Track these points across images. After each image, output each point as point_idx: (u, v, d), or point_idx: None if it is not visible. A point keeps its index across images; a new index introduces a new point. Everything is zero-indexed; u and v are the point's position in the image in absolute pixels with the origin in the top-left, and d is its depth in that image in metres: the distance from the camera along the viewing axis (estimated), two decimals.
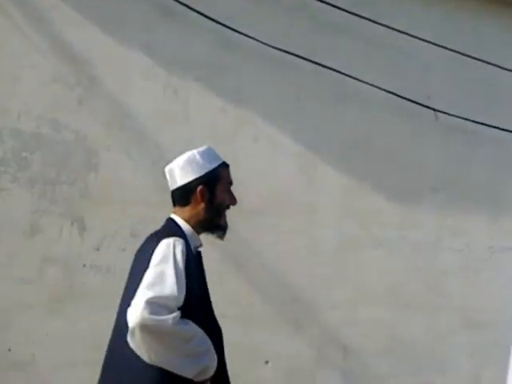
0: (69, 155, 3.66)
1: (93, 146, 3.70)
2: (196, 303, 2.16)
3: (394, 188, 4.37)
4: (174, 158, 3.81)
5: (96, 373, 3.42)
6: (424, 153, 4.49)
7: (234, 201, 2.39)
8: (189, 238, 2.28)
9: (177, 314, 2.01)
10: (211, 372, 2.12)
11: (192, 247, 2.28)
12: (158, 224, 3.71)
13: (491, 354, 4.32)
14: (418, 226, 4.40)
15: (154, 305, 1.98)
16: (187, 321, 2.06)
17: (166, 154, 3.87)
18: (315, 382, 4.03)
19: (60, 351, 3.50)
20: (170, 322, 1.98)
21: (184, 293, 2.08)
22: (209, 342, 2.13)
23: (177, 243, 2.19)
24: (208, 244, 3.75)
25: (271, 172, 4.07)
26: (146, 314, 1.95)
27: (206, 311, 2.28)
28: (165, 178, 3.79)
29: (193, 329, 2.09)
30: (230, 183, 2.41)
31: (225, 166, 2.41)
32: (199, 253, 2.40)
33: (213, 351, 2.14)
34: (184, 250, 2.18)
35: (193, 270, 2.20)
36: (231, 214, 2.40)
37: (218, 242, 3.79)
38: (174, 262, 2.12)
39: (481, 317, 4.42)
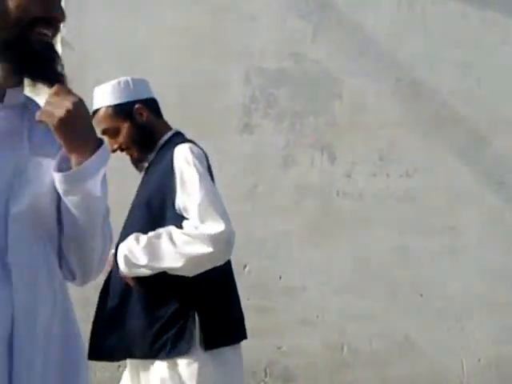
0: (313, 86, 3.72)
1: (335, 74, 3.71)
2: None
3: None
4: (418, 72, 3.73)
5: (360, 296, 3.59)
6: None
7: None
8: None
9: None
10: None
11: None
12: (408, 145, 3.69)
13: None
14: None
15: None
16: None
17: (410, 71, 3.78)
18: None
19: (326, 278, 3.63)
20: None
21: None
22: None
23: None
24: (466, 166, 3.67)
25: None
26: None
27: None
28: (409, 96, 3.75)
29: None
30: None
31: None
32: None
33: None
34: None
35: None
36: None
37: (475, 162, 3.69)
38: None
39: None
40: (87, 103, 1.30)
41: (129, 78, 2.21)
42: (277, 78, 3.68)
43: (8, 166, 1.27)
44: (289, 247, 3.65)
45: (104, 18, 3.49)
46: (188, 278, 1.97)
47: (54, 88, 1.25)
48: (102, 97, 2.17)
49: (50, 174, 1.29)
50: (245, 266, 3.61)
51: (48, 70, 1.28)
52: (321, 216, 3.69)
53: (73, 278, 1.40)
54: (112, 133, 2.14)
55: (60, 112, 1.22)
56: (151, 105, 2.23)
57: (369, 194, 3.70)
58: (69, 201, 1.28)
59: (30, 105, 1.37)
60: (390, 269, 3.63)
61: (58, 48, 3.45)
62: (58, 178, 1.27)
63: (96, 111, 2.14)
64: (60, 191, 1.28)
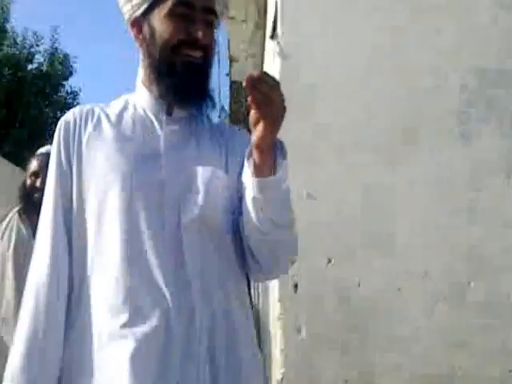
0: None
1: None
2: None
3: None
4: None
5: None
6: None
7: None
8: None
9: None
10: None
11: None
12: None
13: None
14: None
15: None
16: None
17: None
18: None
19: None
20: None
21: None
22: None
23: None
24: None
25: None
26: None
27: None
28: None
29: None
30: None
31: None
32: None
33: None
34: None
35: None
36: None
37: None
38: None
39: None
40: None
41: None
42: (496, 79, 3.36)
43: (178, 178, 1.34)
44: None
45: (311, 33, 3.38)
46: None
47: (265, 74, 1.23)
48: None
49: (218, 181, 1.35)
50: (469, 283, 3.26)
51: (188, 90, 1.35)
52: None
53: (264, 274, 1.46)
54: None
55: (281, 101, 1.25)
56: None
57: None
58: (269, 201, 1.28)
59: (195, 115, 1.43)
60: None
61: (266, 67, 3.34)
62: (258, 183, 1.27)
63: None
64: (257, 194, 1.27)
